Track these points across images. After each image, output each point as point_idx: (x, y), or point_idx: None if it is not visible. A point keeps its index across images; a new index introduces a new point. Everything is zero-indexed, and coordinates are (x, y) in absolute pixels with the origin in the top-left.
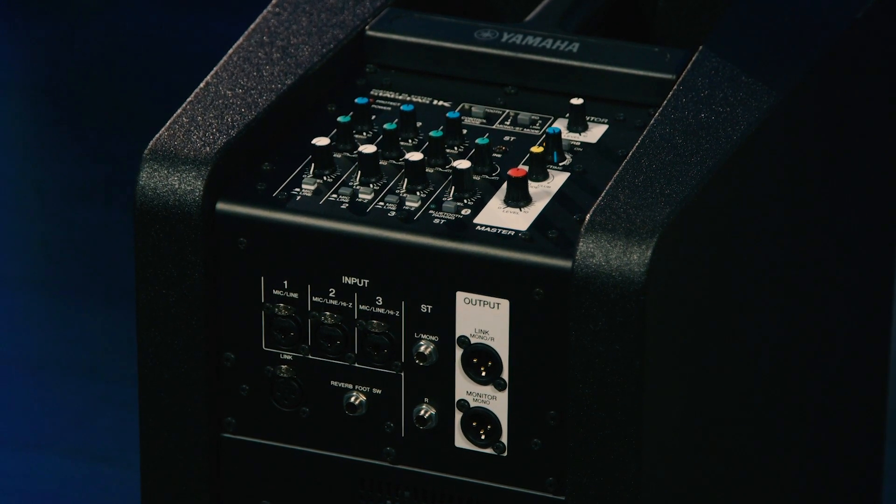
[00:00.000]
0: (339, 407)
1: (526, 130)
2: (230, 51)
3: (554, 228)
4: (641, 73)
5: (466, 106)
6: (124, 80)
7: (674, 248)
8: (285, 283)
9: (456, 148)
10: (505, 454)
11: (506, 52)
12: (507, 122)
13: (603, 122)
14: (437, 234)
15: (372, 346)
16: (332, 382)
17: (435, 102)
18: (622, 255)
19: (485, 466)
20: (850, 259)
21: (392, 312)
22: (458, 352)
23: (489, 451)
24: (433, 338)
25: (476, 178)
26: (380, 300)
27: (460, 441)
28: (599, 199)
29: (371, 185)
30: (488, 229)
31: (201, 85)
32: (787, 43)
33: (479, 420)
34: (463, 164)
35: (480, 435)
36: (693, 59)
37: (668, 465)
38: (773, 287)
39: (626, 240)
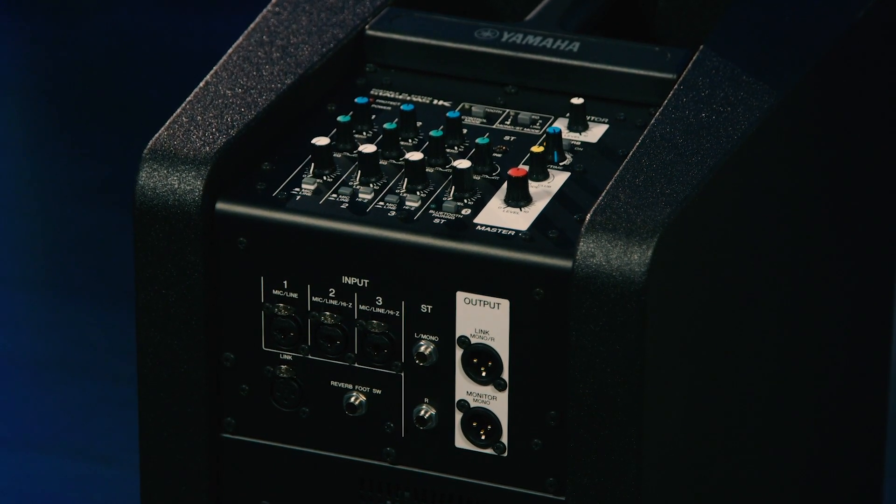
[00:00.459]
0: (339, 407)
1: (526, 130)
2: (230, 50)
3: (554, 228)
4: (642, 72)
5: (466, 105)
6: (124, 80)
7: (674, 248)
8: (285, 283)
9: (456, 147)
10: (505, 454)
11: (506, 52)
12: (508, 122)
13: (603, 122)
14: (437, 234)
15: (372, 347)
16: (332, 382)
17: (435, 102)
18: (623, 255)
19: (485, 467)
20: (851, 258)
21: (392, 312)
22: (459, 352)
23: (489, 451)
24: (433, 338)
25: (476, 177)
26: (380, 300)
27: (460, 441)
28: (600, 198)
29: (371, 185)
30: (488, 229)
31: (201, 84)
32: (788, 42)
33: (479, 420)
34: (463, 163)
35: (481, 435)
36: (694, 58)
37: (668, 465)
38: (773, 287)
39: (627, 240)
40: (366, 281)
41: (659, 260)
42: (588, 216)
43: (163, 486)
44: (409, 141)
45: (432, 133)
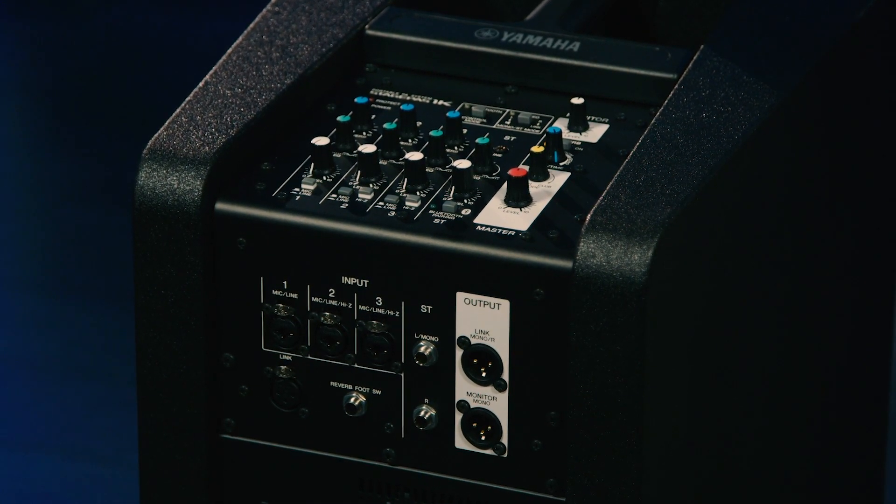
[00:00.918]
0: (339, 408)
1: (526, 130)
2: (229, 50)
3: (554, 228)
4: (642, 72)
5: (466, 105)
6: (123, 80)
7: (675, 248)
8: (285, 283)
9: (456, 148)
10: (505, 455)
11: (506, 52)
12: (508, 122)
13: (604, 122)
14: (437, 234)
15: (372, 347)
16: (332, 383)
17: (435, 102)
18: (623, 255)
19: (485, 467)
20: (851, 258)
21: (392, 313)
22: (459, 352)
23: (489, 452)
24: (433, 338)
25: (476, 177)
26: (379, 300)
27: (460, 442)
28: (600, 199)
29: (371, 185)
30: (488, 229)
31: (200, 84)
32: (788, 42)
33: (479, 421)
34: (463, 163)
35: (480, 436)
36: (694, 58)
37: (669, 465)
38: (774, 287)
39: (627, 240)
40: (366, 281)
41: (659, 260)
42: (588, 216)
43: (162, 486)
44: (409, 141)
45: (432, 133)
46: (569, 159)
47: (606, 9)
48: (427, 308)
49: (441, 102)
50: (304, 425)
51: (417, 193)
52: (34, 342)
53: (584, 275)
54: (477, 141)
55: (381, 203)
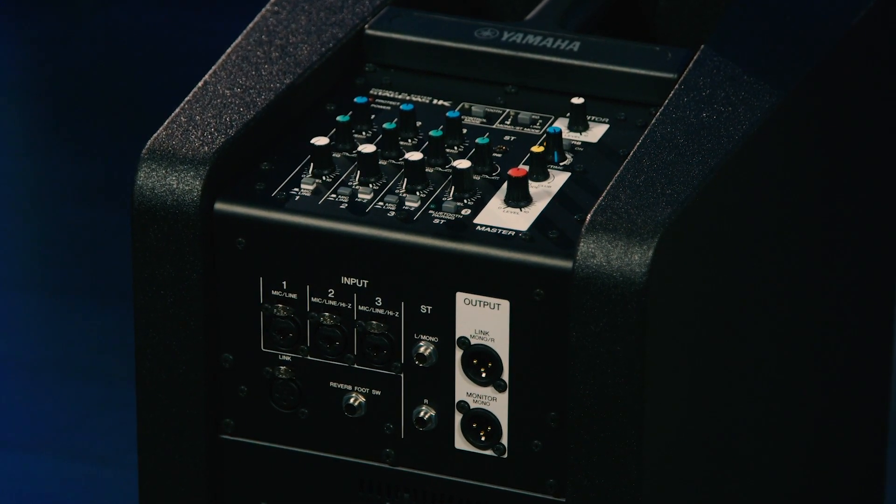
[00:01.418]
0: (339, 408)
1: (526, 130)
2: (228, 50)
3: (554, 228)
4: (642, 72)
5: (466, 105)
6: (122, 80)
7: (675, 248)
8: (284, 283)
9: (456, 147)
10: (505, 456)
11: (506, 52)
12: (508, 122)
13: (604, 122)
14: (437, 235)
15: (371, 347)
16: (332, 383)
17: (435, 102)
18: (623, 255)
19: (485, 468)
20: (852, 258)
21: (391, 313)
22: (458, 353)
23: (489, 452)
24: (433, 339)
25: (476, 177)
26: (379, 301)
27: (460, 442)
28: (600, 199)
29: (370, 185)
30: (488, 229)
31: (199, 84)
32: (789, 42)
33: (479, 421)
34: (463, 163)
35: (480, 436)
36: (694, 58)
37: (669, 466)
38: (774, 287)
39: (628, 240)
40: (365, 281)
41: (660, 260)
42: (588, 216)
43: (161, 487)
44: (409, 141)
45: (432, 133)
46: (569, 159)
47: (606, 8)
48: (427, 308)
49: (441, 102)
50: (303, 426)
51: (417, 193)
52: (33, 342)
53: (584, 275)
54: (477, 141)
55: (381, 203)
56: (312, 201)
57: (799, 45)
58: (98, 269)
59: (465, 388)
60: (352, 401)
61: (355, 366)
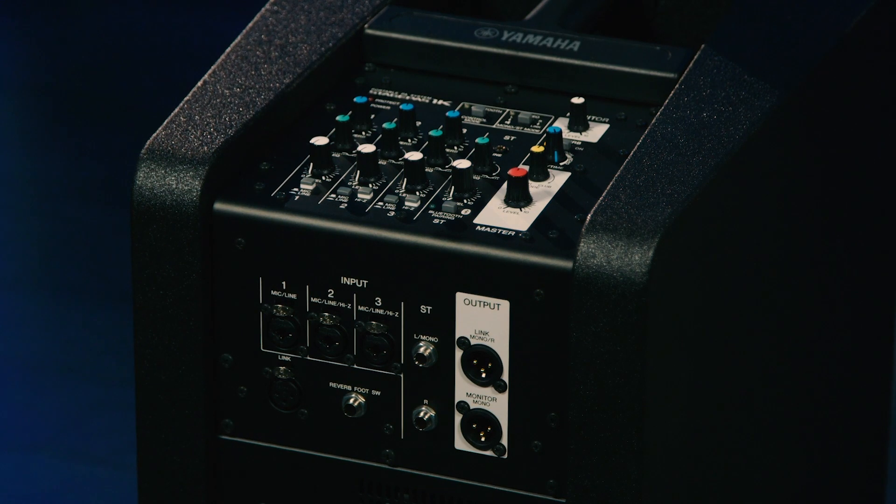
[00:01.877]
0: (338, 408)
1: (526, 130)
2: (228, 49)
3: (554, 229)
4: (643, 71)
5: (466, 105)
6: (121, 79)
7: (675, 248)
8: (283, 283)
9: (456, 147)
10: (505, 456)
11: (506, 51)
12: (508, 122)
13: (604, 122)
14: (437, 235)
15: (371, 348)
16: (331, 384)
17: (434, 101)
18: (623, 255)
19: (485, 469)
20: (852, 257)
21: (391, 313)
22: (458, 353)
23: (489, 453)
24: (433, 339)
25: (476, 177)
26: (379, 301)
27: (460, 443)
28: (600, 199)
29: (370, 185)
30: (488, 229)
31: (199, 84)
32: (789, 41)
33: (479, 422)
34: (463, 163)
35: (480, 437)
36: (695, 57)
37: (669, 466)
38: (775, 287)
39: (628, 240)
40: (365, 282)
41: (660, 260)
42: (589, 216)
43: (161, 488)
44: (409, 141)
45: (432, 133)
46: (569, 159)
47: (607, 8)
48: (427, 308)
49: (441, 102)
50: (303, 426)
51: (417, 193)
52: (31, 342)
53: (584, 275)
54: (477, 141)
55: (381, 203)
56: (312, 201)
57: (799, 44)
58: (97, 269)
59: (464, 389)
60: (351, 401)
61: (355, 366)
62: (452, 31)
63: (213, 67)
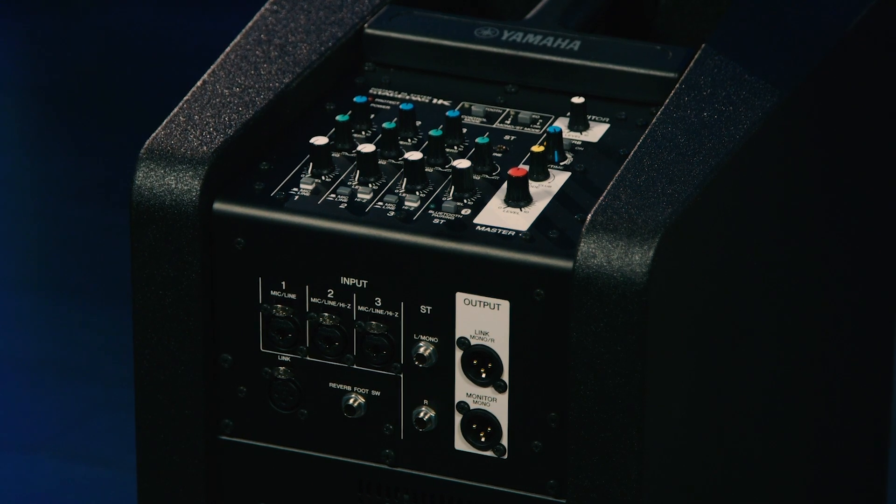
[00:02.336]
0: (338, 409)
1: (526, 129)
2: (227, 49)
3: (555, 228)
4: (643, 71)
5: (466, 105)
6: (121, 79)
7: (676, 248)
8: (283, 283)
9: (456, 147)
10: (505, 457)
11: (506, 51)
12: (508, 121)
13: (604, 121)
14: (437, 235)
15: (371, 348)
16: (331, 384)
17: (434, 101)
18: (624, 255)
19: (485, 469)
20: (853, 257)
21: (391, 313)
22: (458, 353)
23: (489, 453)
24: (433, 339)
25: (476, 177)
26: (379, 301)
27: (460, 443)
28: (601, 198)
29: (370, 185)
30: (488, 229)
31: (198, 84)
32: (790, 41)
33: (479, 422)
34: (463, 163)
35: (480, 437)
36: (696, 57)
37: (670, 466)
38: (776, 287)
39: (628, 240)
40: (364, 282)
41: (660, 260)
42: (589, 216)
43: (160, 488)
44: (409, 140)
45: (432, 132)
46: (569, 159)
47: (607, 7)
48: (427, 308)
49: (440, 102)
50: (302, 427)
51: (417, 193)
52: (31, 342)
53: (584, 275)
54: (477, 140)
55: (381, 203)
56: (312, 201)
57: (800, 44)
58: (97, 269)
59: (464, 389)
60: (351, 401)
61: (355, 366)
62: (452, 30)
63: (212, 67)
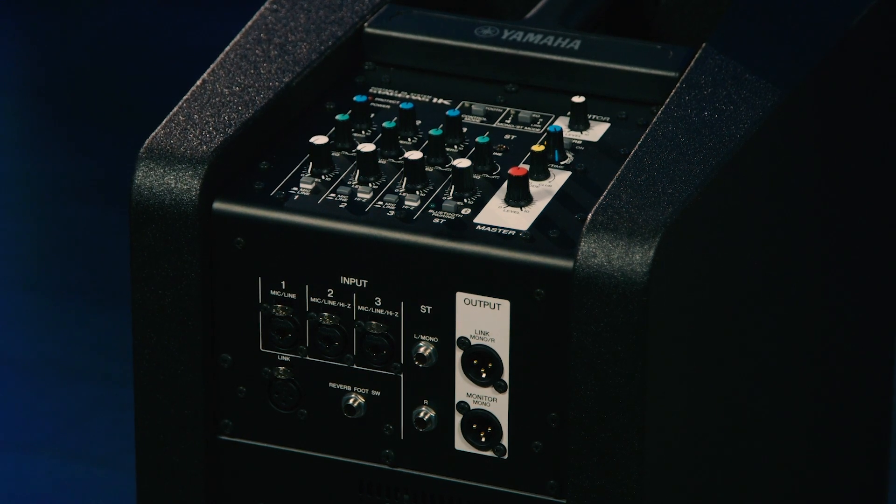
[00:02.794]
0: (338, 409)
1: (527, 129)
2: (227, 48)
3: (555, 228)
4: (644, 70)
5: (466, 104)
6: (120, 78)
7: (676, 248)
8: (283, 283)
9: (456, 146)
10: (505, 457)
11: (506, 50)
12: (508, 121)
13: (605, 121)
14: (437, 234)
15: (371, 348)
16: (331, 384)
17: (434, 100)
18: (624, 255)
19: (485, 469)
20: (854, 257)
21: (391, 313)
22: (458, 353)
23: (489, 453)
24: (433, 339)
25: (476, 177)
26: (379, 301)
27: (460, 443)
28: (601, 198)
29: (370, 185)
30: (489, 229)
31: (198, 83)
32: (791, 40)
33: (479, 422)
34: (463, 162)
35: (481, 437)
36: (696, 56)
37: (670, 466)
38: (776, 287)
39: (629, 240)
40: (364, 281)
41: (661, 260)
42: (589, 216)
43: (159, 488)
44: (409, 140)
45: (432, 132)
46: (569, 158)
47: (607, 6)
48: (427, 308)
49: (441, 101)
50: (302, 427)
51: (417, 193)
52: (29, 343)
53: (584, 275)
54: (477, 140)
55: (381, 202)
56: (311, 200)
57: (801, 43)
58: (96, 269)
59: (465, 389)
60: (351, 401)
61: (355, 366)
62: (452, 29)
63: (212, 66)
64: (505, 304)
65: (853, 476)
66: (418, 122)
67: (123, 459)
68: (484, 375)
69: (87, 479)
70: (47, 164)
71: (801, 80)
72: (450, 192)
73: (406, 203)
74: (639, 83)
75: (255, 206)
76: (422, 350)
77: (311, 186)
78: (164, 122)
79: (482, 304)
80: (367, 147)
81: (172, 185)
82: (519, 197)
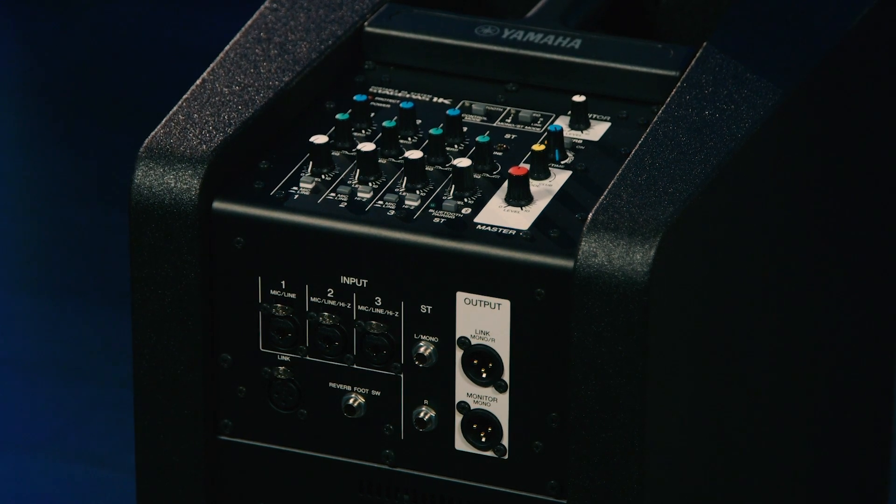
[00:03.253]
0: (338, 409)
1: (527, 128)
2: (227, 47)
3: (555, 228)
4: (644, 69)
5: (467, 103)
6: (119, 78)
7: (677, 247)
8: (283, 283)
9: (456, 146)
10: (506, 457)
11: (507, 49)
12: (508, 120)
13: (605, 120)
14: (437, 234)
15: (371, 348)
16: (331, 384)
17: (435, 100)
18: (625, 254)
19: (485, 469)
20: (854, 256)
21: (391, 313)
22: (459, 353)
23: (490, 453)
24: (433, 339)
25: (476, 176)
26: (379, 300)
27: (460, 443)
28: (602, 197)
29: (370, 184)
30: (489, 228)
31: (198, 82)
32: (791, 39)
33: (479, 422)
34: (463, 162)
35: (481, 437)
36: (697, 55)
37: (671, 467)
38: (777, 286)
39: (629, 239)
40: (364, 281)
41: (661, 259)
42: (590, 215)
43: (159, 488)
44: (409, 139)
45: (432, 131)
46: (570, 158)
47: (608, 5)
48: (427, 308)
49: (441, 100)
50: (302, 427)
51: (417, 192)
52: (28, 343)
53: (585, 274)
54: (477, 139)
55: (381, 202)
56: (311, 200)
57: (801, 42)
58: (95, 269)
59: (465, 389)
60: (351, 401)
61: (355, 366)
62: (453, 28)
63: (212, 65)
64: (505, 304)
65: (854, 476)
66: (418, 122)
67: (123, 459)
68: (484, 375)
69: (86, 479)
70: (46, 164)
71: (802, 79)
72: (450, 191)
73: (406, 203)
74: (639, 82)
75: (254, 206)
76: (422, 350)
77: (311, 186)
78: (163, 121)
79: (482, 303)
80: (368, 146)
81: (172, 185)
82: (519, 196)
